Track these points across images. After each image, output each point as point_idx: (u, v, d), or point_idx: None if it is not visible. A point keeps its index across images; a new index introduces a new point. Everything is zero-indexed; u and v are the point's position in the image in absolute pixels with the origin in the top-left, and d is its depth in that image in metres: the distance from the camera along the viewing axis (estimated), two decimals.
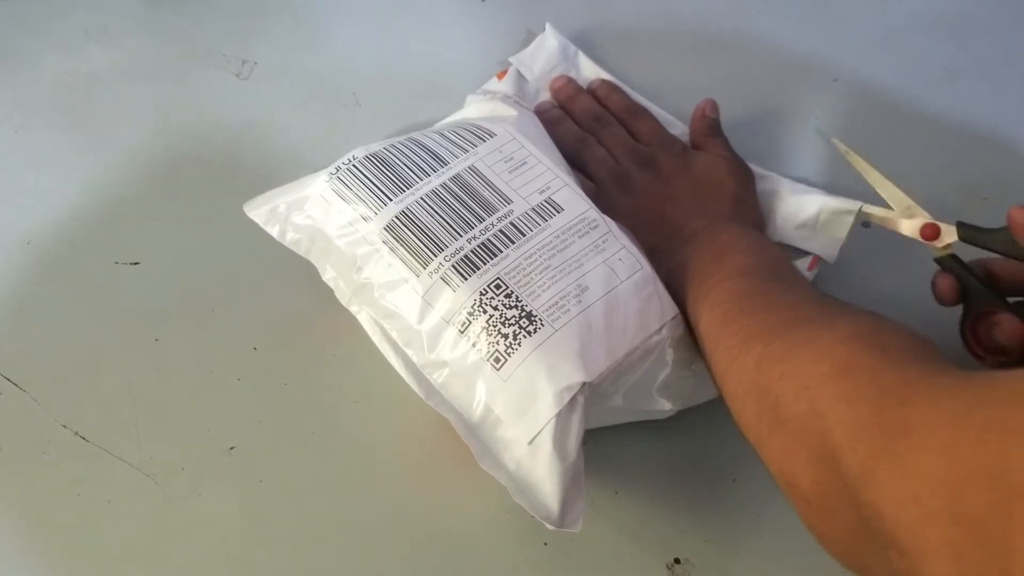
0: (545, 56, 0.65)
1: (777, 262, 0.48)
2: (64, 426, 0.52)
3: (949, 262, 0.51)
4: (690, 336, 0.48)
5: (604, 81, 0.63)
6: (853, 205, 0.55)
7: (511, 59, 0.65)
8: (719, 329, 0.44)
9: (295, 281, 0.56)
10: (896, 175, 0.61)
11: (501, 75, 0.64)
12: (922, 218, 0.52)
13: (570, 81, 0.63)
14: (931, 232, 0.51)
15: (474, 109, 0.58)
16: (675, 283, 0.48)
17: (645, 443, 0.51)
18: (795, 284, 0.46)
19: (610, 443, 0.51)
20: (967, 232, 0.50)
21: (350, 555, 0.49)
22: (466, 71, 0.66)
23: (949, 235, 0.51)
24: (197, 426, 0.53)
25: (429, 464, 0.51)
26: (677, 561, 0.49)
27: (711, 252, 0.49)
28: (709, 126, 0.59)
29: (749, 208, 0.56)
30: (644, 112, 0.62)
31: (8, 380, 0.54)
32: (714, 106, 0.59)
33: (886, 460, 0.31)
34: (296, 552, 0.49)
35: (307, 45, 0.68)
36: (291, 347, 0.55)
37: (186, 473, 0.51)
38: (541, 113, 0.61)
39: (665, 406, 0.49)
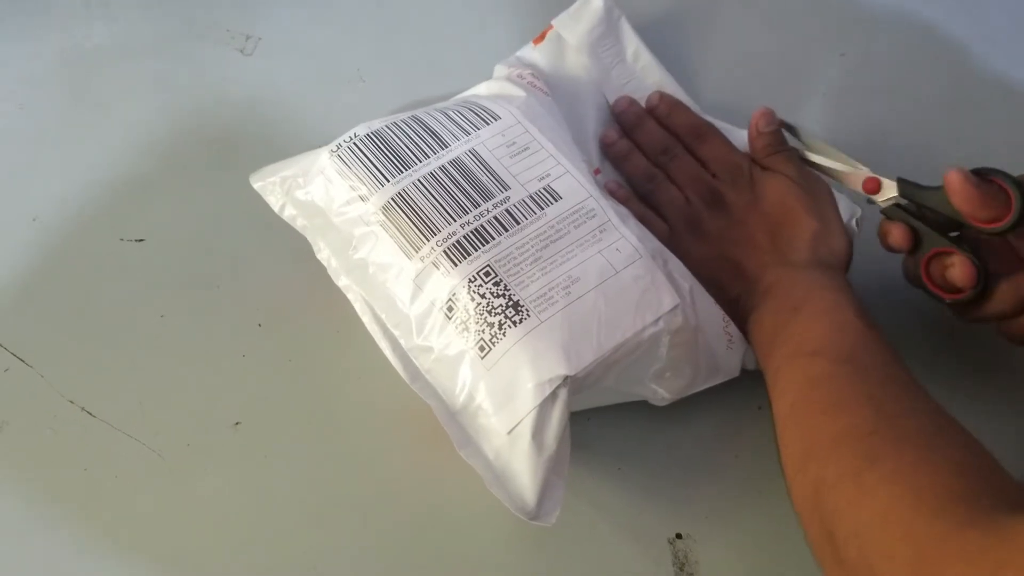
0: (588, 19, 0.62)
1: (848, 329, 0.45)
2: (71, 402, 0.53)
3: (895, 211, 0.52)
4: (689, 329, 0.47)
5: (663, 96, 0.61)
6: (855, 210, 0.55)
7: (553, 21, 0.62)
8: (784, 424, 0.44)
9: (300, 257, 0.55)
10: (903, 151, 0.61)
11: (539, 39, 0.62)
12: (864, 173, 0.53)
13: (632, 103, 0.61)
14: (873, 186, 0.52)
15: (484, 87, 0.57)
16: (752, 341, 0.49)
17: (648, 420, 0.51)
18: (863, 362, 0.44)
19: (613, 420, 0.52)
20: (907, 188, 0.51)
21: (354, 530, 0.50)
22: (471, 46, 0.65)
23: (890, 190, 0.52)
24: (202, 402, 0.53)
25: (433, 439, 0.51)
26: (679, 536, 0.49)
27: (785, 311, 0.48)
28: (768, 143, 0.55)
29: (829, 235, 0.52)
30: (709, 131, 0.59)
31: (15, 356, 0.54)
32: (769, 117, 0.55)
33: None
34: (301, 527, 0.50)
35: (311, 20, 0.67)
36: (296, 323, 0.55)
37: (192, 449, 0.51)
38: (608, 146, 0.60)
39: (660, 394, 0.49)
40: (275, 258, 0.57)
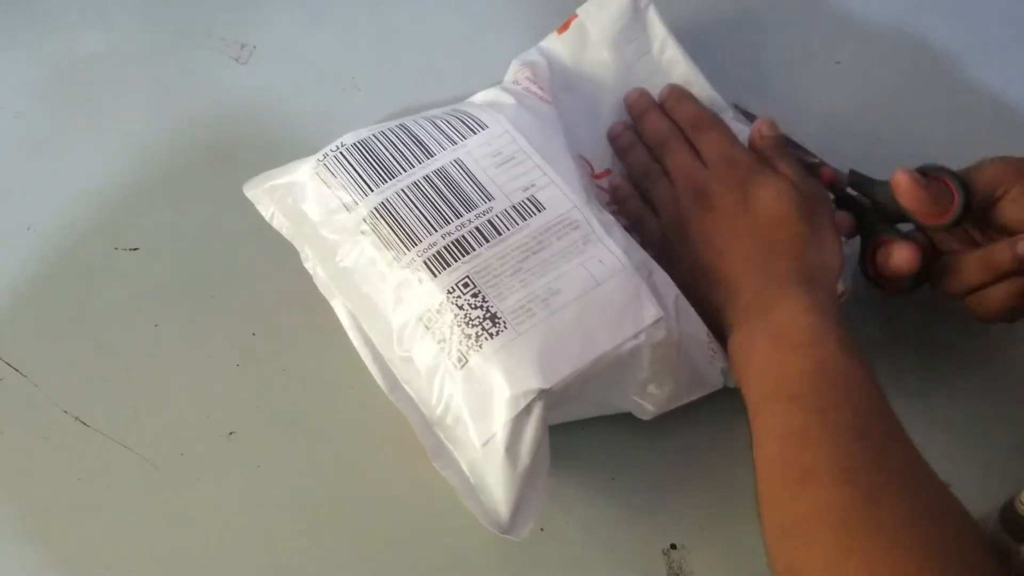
0: (612, 9, 0.60)
1: (827, 369, 0.44)
2: (64, 411, 0.53)
3: (844, 200, 0.55)
4: (672, 342, 0.47)
5: (672, 87, 0.60)
6: None
7: (578, 10, 0.61)
8: (764, 484, 0.43)
9: (294, 267, 0.55)
10: (896, 159, 0.61)
11: (563, 28, 0.61)
12: (820, 166, 0.56)
13: (643, 95, 0.60)
14: (829, 176, 0.55)
15: (480, 96, 0.57)
16: (732, 362, 0.48)
17: (641, 430, 0.51)
18: (840, 413, 0.43)
19: (606, 430, 0.52)
20: (857, 179, 0.55)
21: (347, 539, 0.50)
22: (466, 53, 0.65)
23: (841, 182, 0.55)
24: (196, 411, 0.53)
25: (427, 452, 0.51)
26: (673, 547, 0.49)
27: (765, 338, 0.46)
28: (768, 147, 0.54)
29: (820, 247, 0.50)
30: (712, 124, 0.57)
31: (8, 365, 0.54)
32: (772, 126, 0.55)
33: None
34: (294, 536, 0.50)
35: (305, 28, 0.68)
36: (289, 333, 0.55)
37: (185, 458, 0.51)
38: (614, 139, 0.59)
39: (644, 407, 0.49)
40: (269, 267, 0.57)
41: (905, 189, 0.50)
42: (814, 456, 0.42)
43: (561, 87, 0.59)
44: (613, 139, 0.59)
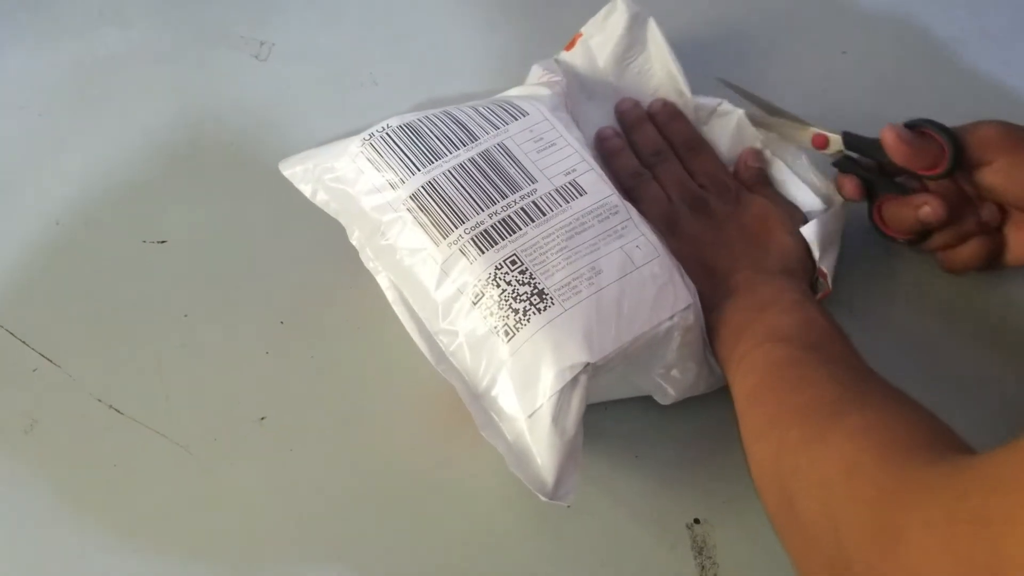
0: (613, 29, 0.62)
1: (814, 324, 0.48)
2: (99, 400, 0.54)
3: (845, 163, 0.57)
4: (698, 328, 0.49)
5: (665, 103, 0.62)
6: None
7: (582, 29, 0.63)
8: (747, 402, 0.46)
9: (319, 257, 0.57)
10: None
11: (569, 46, 0.63)
12: (813, 130, 0.57)
13: (636, 105, 0.62)
14: (821, 141, 0.57)
15: (516, 90, 0.59)
16: (715, 335, 0.50)
17: (664, 409, 0.52)
18: (828, 351, 0.46)
19: (631, 408, 0.53)
20: (851, 140, 0.56)
21: (376, 522, 0.50)
22: (481, 48, 0.67)
23: (836, 144, 0.57)
24: (227, 398, 0.54)
25: (454, 433, 0.52)
26: (697, 521, 0.50)
27: (752, 309, 0.49)
28: (754, 175, 0.58)
29: (799, 252, 0.54)
30: (703, 146, 0.60)
31: (43, 356, 0.55)
32: (756, 155, 0.59)
33: (892, 563, 0.33)
34: (326, 518, 0.50)
35: (323, 26, 0.69)
36: (317, 321, 0.56)
37: (218, 443, 0.52)
38: (603, 141, 0.60)
39: (666, 390, 0.50)
40: (295, 257, 0.58)
41: (892, 146, 0.52)
42: (804, 372, 0.44)
43: (584, 96, 0.61)
44: (602, 140, 0.61)
